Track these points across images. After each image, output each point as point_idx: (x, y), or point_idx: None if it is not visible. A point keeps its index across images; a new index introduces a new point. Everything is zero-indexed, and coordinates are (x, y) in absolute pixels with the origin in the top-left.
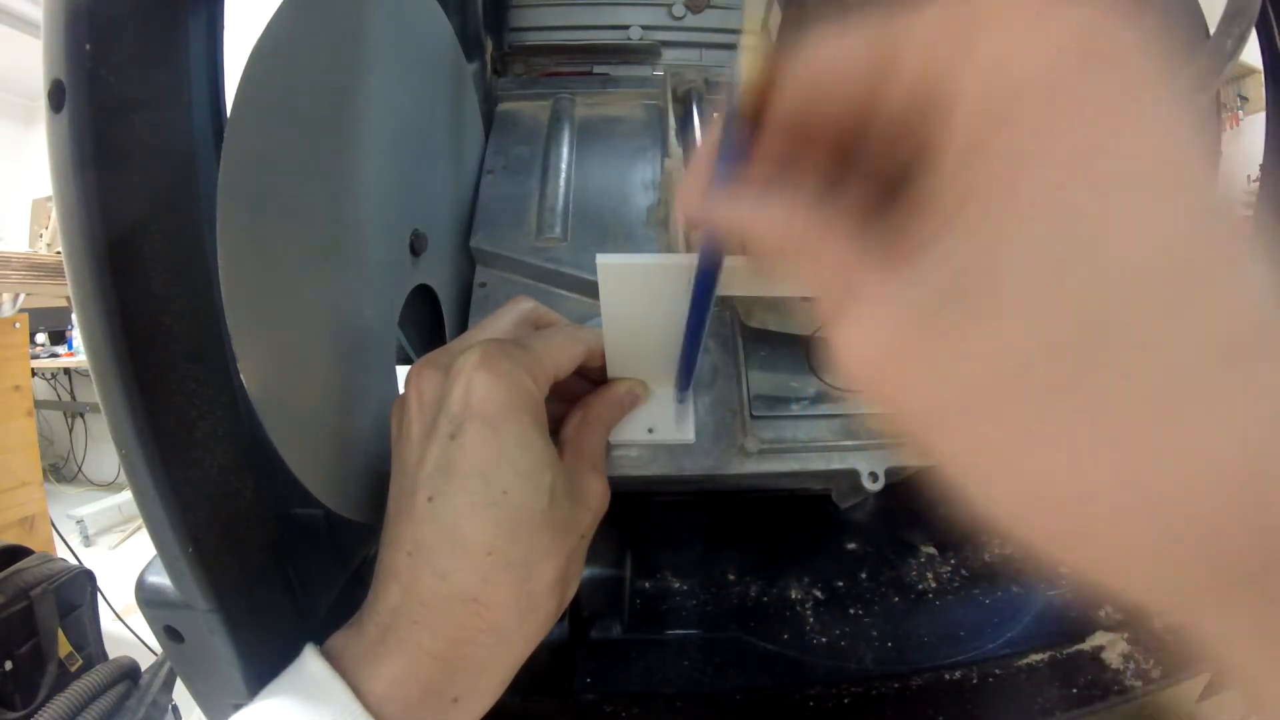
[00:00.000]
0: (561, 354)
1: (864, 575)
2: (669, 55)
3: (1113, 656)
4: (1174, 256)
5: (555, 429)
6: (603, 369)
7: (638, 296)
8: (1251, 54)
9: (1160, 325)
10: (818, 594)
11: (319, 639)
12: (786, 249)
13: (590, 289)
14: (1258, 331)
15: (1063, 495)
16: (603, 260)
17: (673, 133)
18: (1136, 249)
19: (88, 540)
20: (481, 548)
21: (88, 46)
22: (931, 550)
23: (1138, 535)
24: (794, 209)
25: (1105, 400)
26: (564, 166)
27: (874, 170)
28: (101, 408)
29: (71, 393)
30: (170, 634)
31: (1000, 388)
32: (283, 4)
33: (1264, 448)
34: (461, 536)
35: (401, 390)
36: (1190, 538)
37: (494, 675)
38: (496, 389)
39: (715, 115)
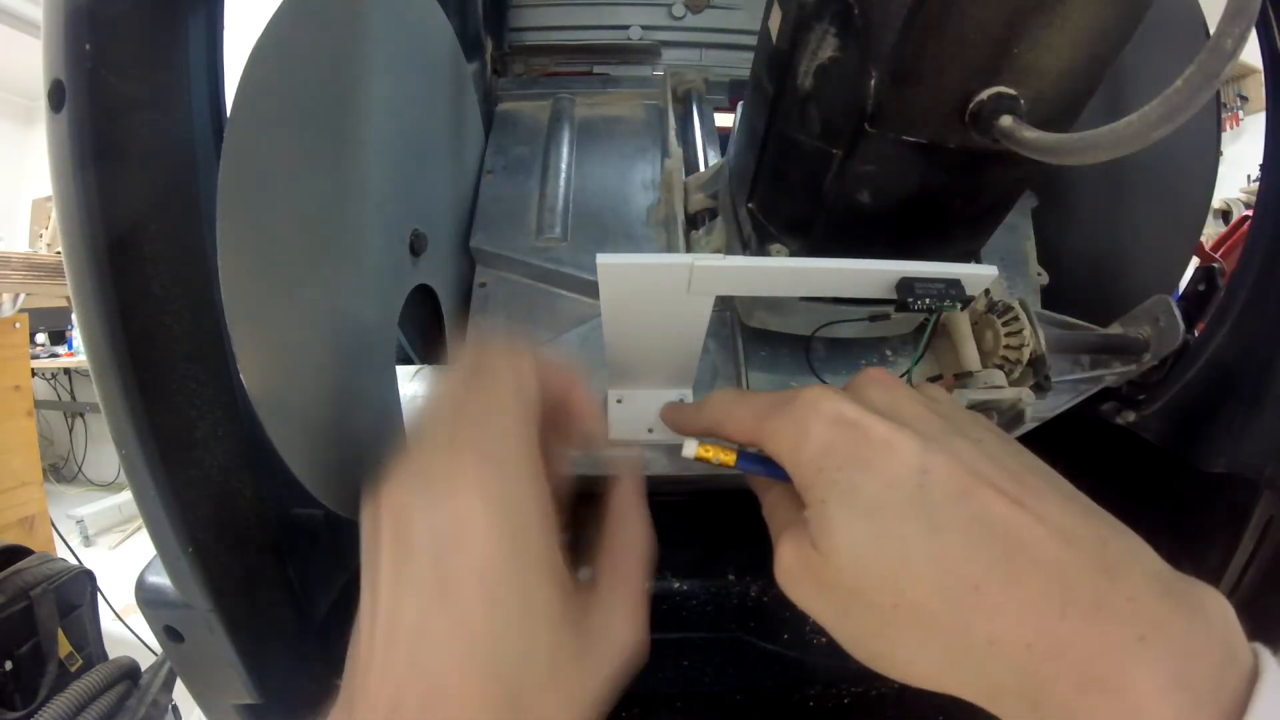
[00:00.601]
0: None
1: None
2: (669, 55)
3: None
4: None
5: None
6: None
7: (638, 296)
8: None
9: None
10: None
11: (319, 639)
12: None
13: (590, 289)
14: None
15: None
16: (603, 260)
17: (673, 133)
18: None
19: (88, 540)
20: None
21: (88, 46)
22: None
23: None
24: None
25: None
26: (564, 166)
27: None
28: (101, 408)
29: (71, 393)
30: (170, 634)
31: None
32: (283, 4)
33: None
34: (442, 699)
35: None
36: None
37: None
38: (481, 539)
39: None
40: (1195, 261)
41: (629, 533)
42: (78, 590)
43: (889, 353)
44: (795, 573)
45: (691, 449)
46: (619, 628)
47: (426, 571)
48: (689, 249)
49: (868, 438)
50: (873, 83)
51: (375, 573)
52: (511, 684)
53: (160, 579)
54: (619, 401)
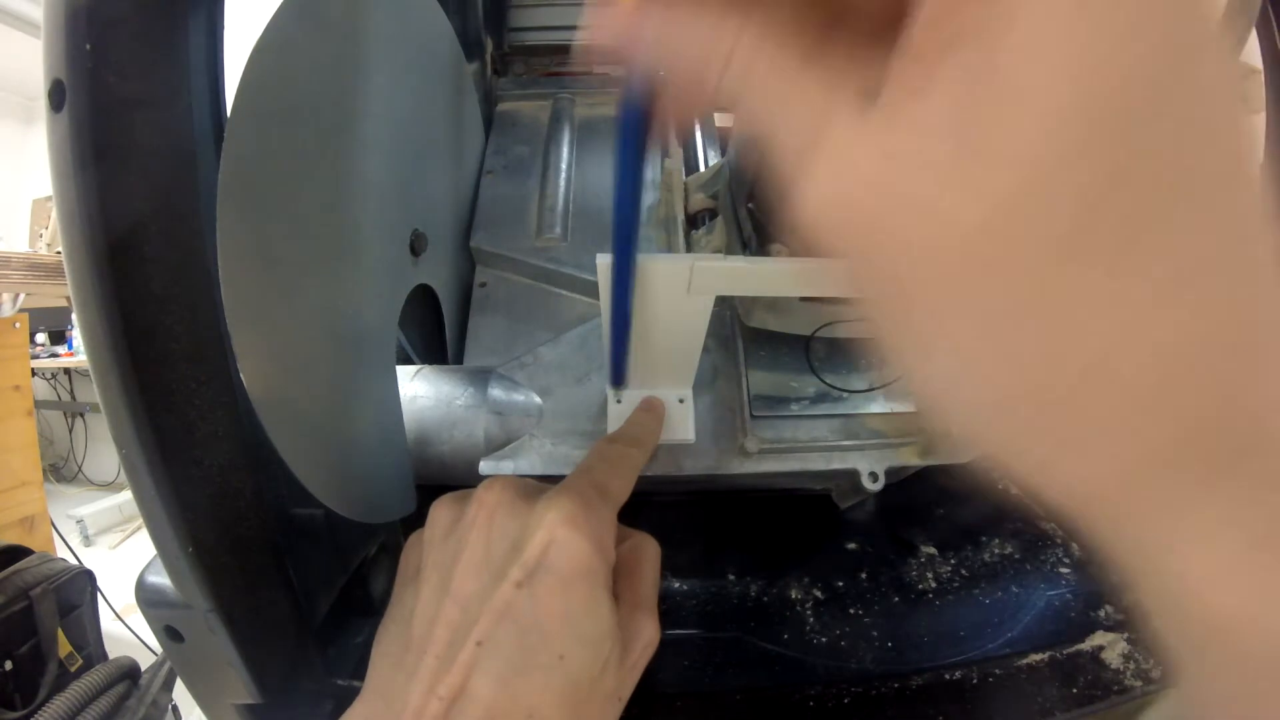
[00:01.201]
0: (630, 483)
1: (864, 575)
2: None
3: (1112, 656)
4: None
5: None
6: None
7: (637, 296)
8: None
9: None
10: (818, 594)
11: (319, 639)
12: (737, 72)
13: (590, 289)
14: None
15: (1057, 373)
16: (603, 260)
17: (673, 132)
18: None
19: (88, 540)
20: (524, 708)
21: (88, 46)
22: (931, 550)
23: (1141, 418)
24: (747, 20)
25: (1146, 250)
26: (564, 166)
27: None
28: (101, 408)
29: (71, 393)
30: (170, 634)
31: (1015, 218)
32: (283, 4)
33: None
34: (508, 691)
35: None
36: (1160, 415)
37: None
38: (580, 549)
39: None
40: None
41: (637, 536)
42: (78, 590)
43: None
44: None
45: None
46: (646, 628)
47: (512, 567)
48: (689, 249)
49: None
50: None
51: (433, 561)
52: (581, 697)
53: (160, 579)
54: (619, 401)
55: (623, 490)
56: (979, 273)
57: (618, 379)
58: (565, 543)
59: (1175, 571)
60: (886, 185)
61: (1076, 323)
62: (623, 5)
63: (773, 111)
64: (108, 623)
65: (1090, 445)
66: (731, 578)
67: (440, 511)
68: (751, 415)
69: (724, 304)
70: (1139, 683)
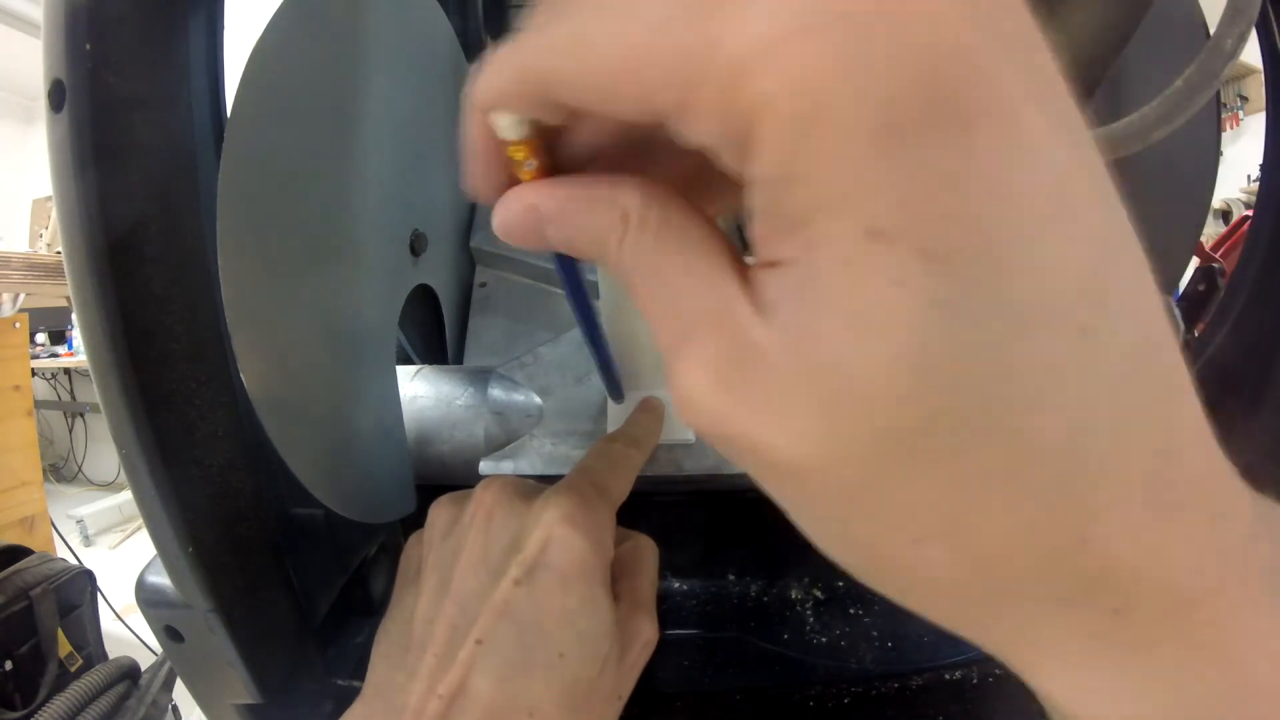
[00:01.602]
0: (629, 483)
1: None
2: None
3: None
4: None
5: None
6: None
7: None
8: (1251, 54)
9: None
10: (818, 594)
11: (319, 639)
12: (629, 248)
13: (591, 289)
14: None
15: (920, 544)
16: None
17: None
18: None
19: (88, 540)
20: (524, 706)
21: (88, 46)
22: None
23: (967, 577)
24: (635, 196)
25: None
26: None
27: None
28: (101, 408)
29: (71, 393)
30: (170, 634)
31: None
32: (283, 4)
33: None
34: (508, 689)
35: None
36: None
37: None
38: (579, 547)
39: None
40: (1195, 261)
41: (635, 537)
42: (78, 590)
43: None
44: (729, 383)
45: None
46: (645, 628)
47: (511, 564)
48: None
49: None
50: None
51: (433, 561)
52: (581, 696)
53: (160, 579)
54: (619, 402)
55: (621, 490)
56: (814, 487)
57: (615, 394)
58: (563, 540)
59: (1043, 691)
60: (732, 404)
61: (901, 517)
62: (518, 192)
63: (654, 295)
64: (108, 623)
65: (930, 593)
66: (731, 578)
67: (439, 512)
68: None
69: None
70: None
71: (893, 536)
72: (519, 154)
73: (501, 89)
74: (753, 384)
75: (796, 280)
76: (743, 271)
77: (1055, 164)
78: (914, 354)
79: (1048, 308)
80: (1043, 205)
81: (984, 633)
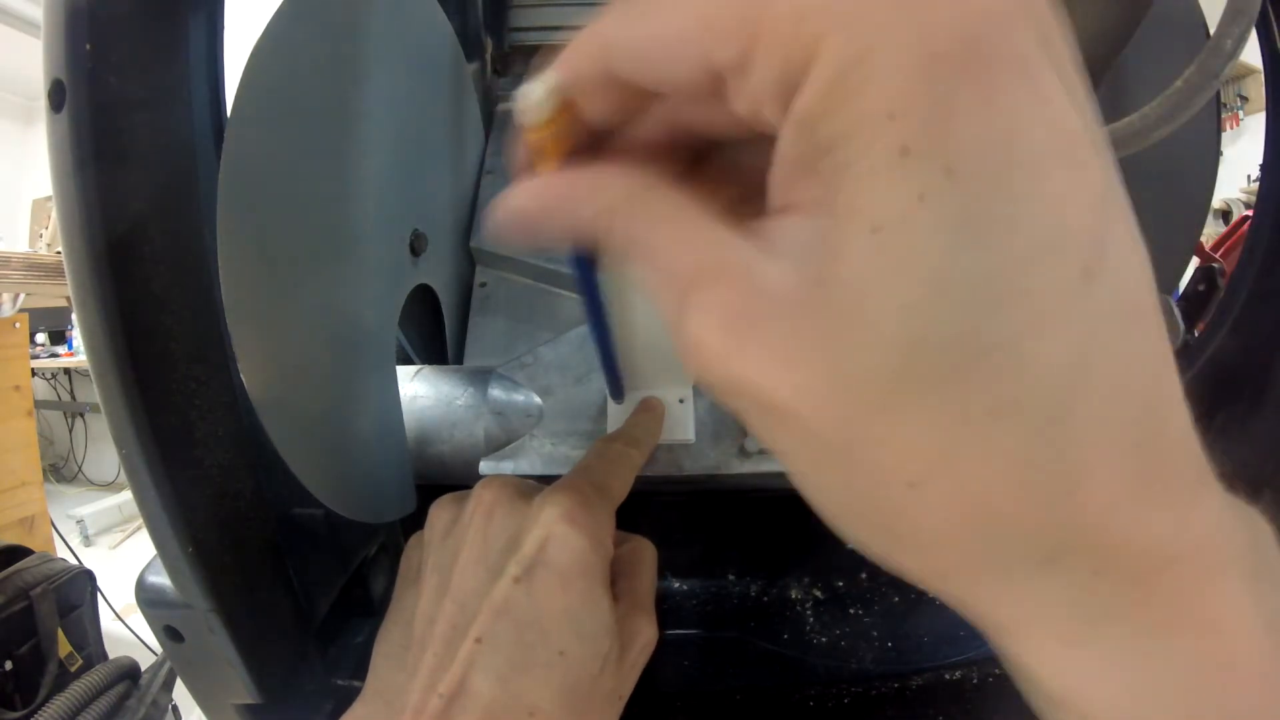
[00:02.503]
0: (628, 483)
1: (864, 575)
2: None
3: None
4: (1079, 234)
5: None
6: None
7: (637, 294)
8: (1251, 54)
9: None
10: (818, 594)
11: (319, 639)
12: (621, 227)
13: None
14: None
15: (904, 486)
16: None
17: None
18: (1041, 223)
19: (88, 540)
20: (525, 705)
21: (88, 46)
22: None
23: (958, 523)
24: (621, 176)
25: (981, 398)
26: None
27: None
28: (101, 408)
29: (71, 393)
30: (170, 634)
31: (879, 375)
32: (283, 4)
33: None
34: (508, 687)
35: (405, 410)
36: (999, 525)
37: None
38: (578, 544)
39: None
40: (1195, 261)
41: (634, 539)
42: (78, 590)
43: None
44: (742, 330)
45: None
46: (645, 629)
47: (510, 562)
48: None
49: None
50: None
51: (434, 560)
52: (582, 695)
53: (160, 579)
54: (619, 402)
55: (621, 489)
56: (819, 429)
57: (615, 393)
58: (563, 539)
59: (1024, 665)
60: (741, 348)
61: (901, 457)
62: (512, 193)
63: (655, 260)
64: (108, 623)
65: (921, 544)
66: (731, 578)
67: (439, 512)
68: None
69: None
70: None
71: (891, 480)
72: (542, 139)
73: (567, 62)
74: (763, 327)
75: (814, 216)
76: (743, 229)
77: (1065, 116)
78: (934, 270)
79: (1056, 240)
80: (1054, 147)
81: (970, 593)
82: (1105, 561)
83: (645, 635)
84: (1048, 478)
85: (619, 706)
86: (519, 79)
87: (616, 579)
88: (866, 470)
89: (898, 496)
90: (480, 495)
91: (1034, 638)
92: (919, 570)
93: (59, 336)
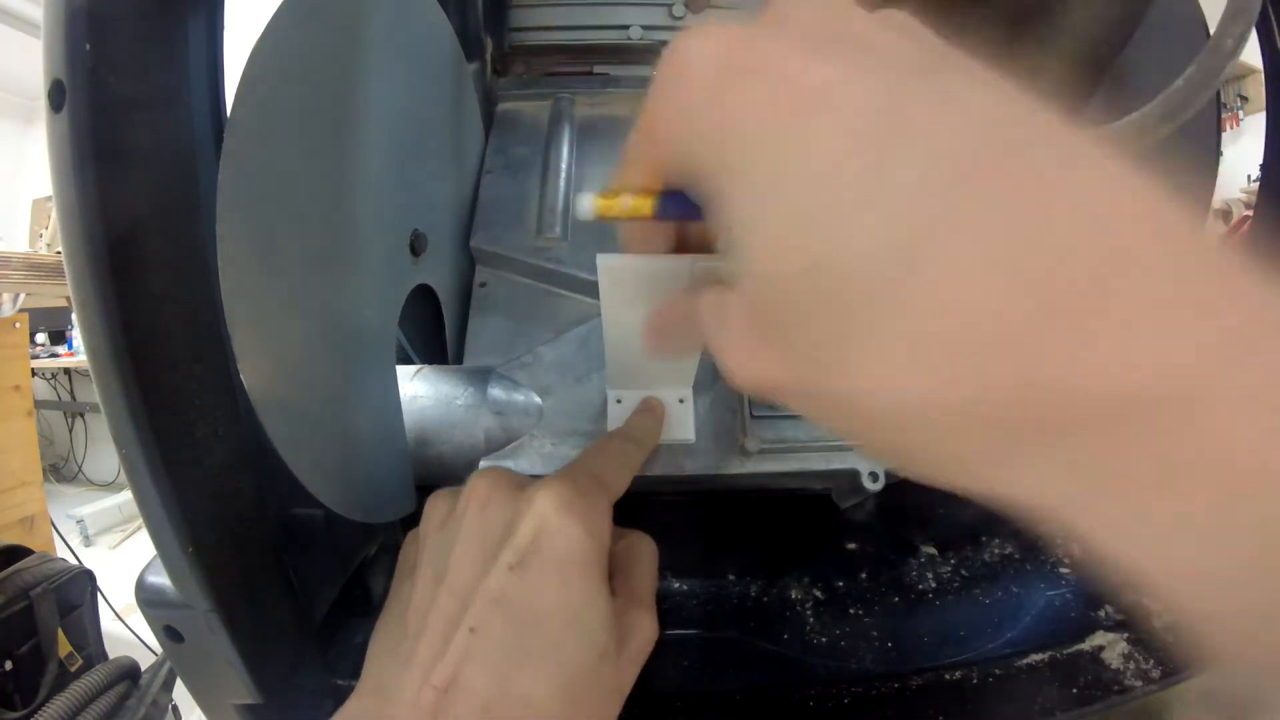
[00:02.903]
0: (627, 478)
1: (864, 575)
2: None
3: (1113, 656)
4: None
5: None
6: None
7: (638, 296)
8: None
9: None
10: (818, 594)
11: (319, 639)
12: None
13: (590, 289)
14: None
15: (888, 404)
16: (603, 260)
17: None
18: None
19: (88, 540)
20: (519, 696)
21: (88, 46)
22: (931, 550)
23: (956, 414)
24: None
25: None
26: (564, 166)
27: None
28: (101, 408)
29: (71, 393)
30: (170, 634)
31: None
32: (283, 4)
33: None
34: (502, 678)
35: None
36: (1002, 405)
37: None
38: (573, 533)
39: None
40: None
41: (633, 534)
42: (78, 590)
43: None
44: (730, 336)
45: (588, 205)
46: (645, 626)
47: (504, 551)
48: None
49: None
50: None
51: (428, 556)
52: (579, 688)
53: (160, 579)
54: (619, 401)
55: (619, 482)
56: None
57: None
58: (558, 528)
59: (1075, 538)
60: (754, 351)
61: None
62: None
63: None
64: (108, 623)
65: (934, 441)
66: (731, 578)
67: (434, 505)
68: (751, 415)
69: None
70: (1139, 683)
71: (894, 396)
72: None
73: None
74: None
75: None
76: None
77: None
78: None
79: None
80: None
81: (1002, 481)
82: (1081, 416)
83: (645, 630)
84: (991, 343)
85: (619, 702)
86: (519, 79)
87: (615, 573)
88: (882, 397)
89: (904, 408)
90: (475, 485)
91: (1076, 515)
92: (946, 465)
93: (59, 336)
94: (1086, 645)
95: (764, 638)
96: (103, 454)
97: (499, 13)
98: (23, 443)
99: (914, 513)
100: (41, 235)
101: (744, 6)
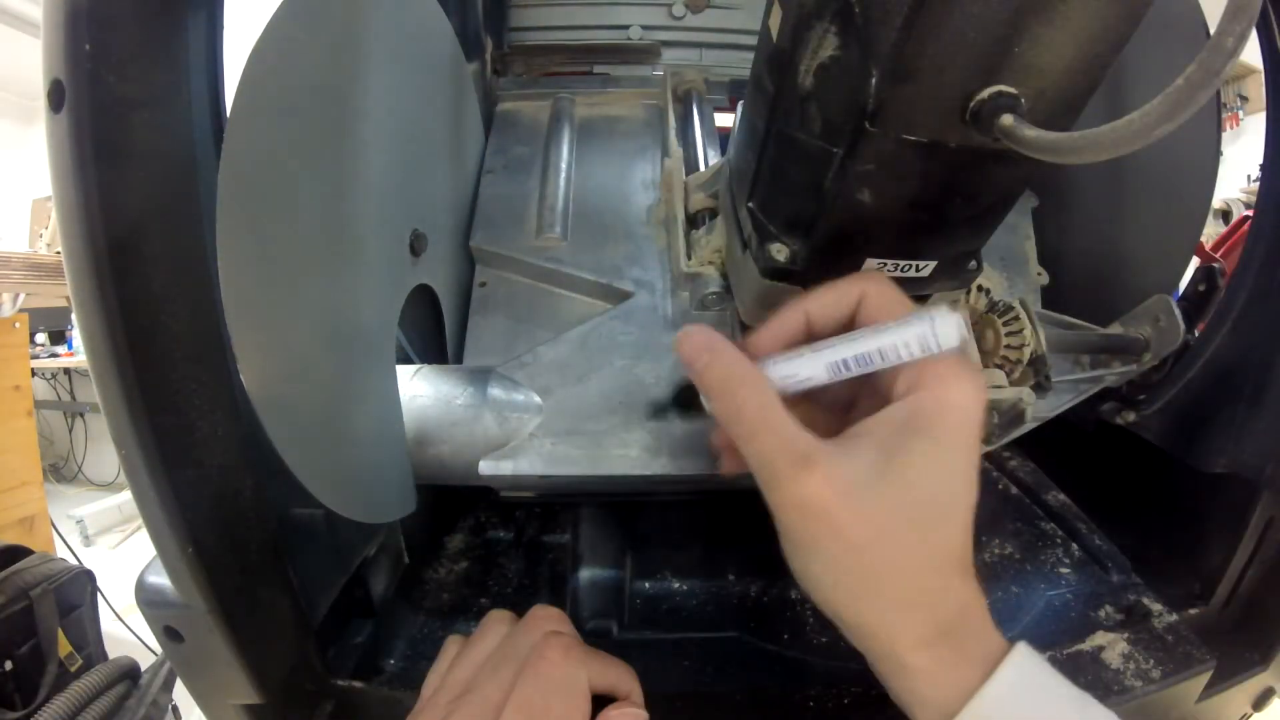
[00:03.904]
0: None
1: None
2: (669, 55)
3: (1113, 656)
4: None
5: None
6: None
7: None
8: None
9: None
10: None
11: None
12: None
13: (590, 289)
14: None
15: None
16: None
17: (673, 132)
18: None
19: (88, 540)
20: None
21: (88, 46)
22: None
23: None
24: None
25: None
26: (564, 166)
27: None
28: (101, 408)
29: (71, 393)
30: (170, 634)
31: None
32: (283, 4)
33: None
34: None
35: (405, 392)
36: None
37: None
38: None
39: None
40: (1195, 261)
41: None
42: (78, 590)
43: None
44: (830, 499)
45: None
46: None
47: None
48: (689, 249)
49: None
50: (873, 81)
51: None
52: None
53: (160, 579)
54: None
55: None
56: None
57: None
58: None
59: (905, 679)
60: (849, 496)
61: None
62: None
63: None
64: (108, 623)
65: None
66: (731, 578)
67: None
68: None
69: (724, 303)
70: (1139, 683)
71: (873, 575)
72: None
73: None
74: (846, 491)
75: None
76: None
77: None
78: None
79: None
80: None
81: (887, 636)
82: (942, 635)
83: None
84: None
85: None
86: (519, 79)
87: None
88: (872, 564)
89: (872, 584)
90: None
91: (918, 673)
92: (860, 618)
93: (59, 336)
94: (1086, 645)
95: (764, 638)
96: (103, 454)
97: (499, 13)
98: (23, 443)
99: None
100: (41, 235)
101: (743, 7)
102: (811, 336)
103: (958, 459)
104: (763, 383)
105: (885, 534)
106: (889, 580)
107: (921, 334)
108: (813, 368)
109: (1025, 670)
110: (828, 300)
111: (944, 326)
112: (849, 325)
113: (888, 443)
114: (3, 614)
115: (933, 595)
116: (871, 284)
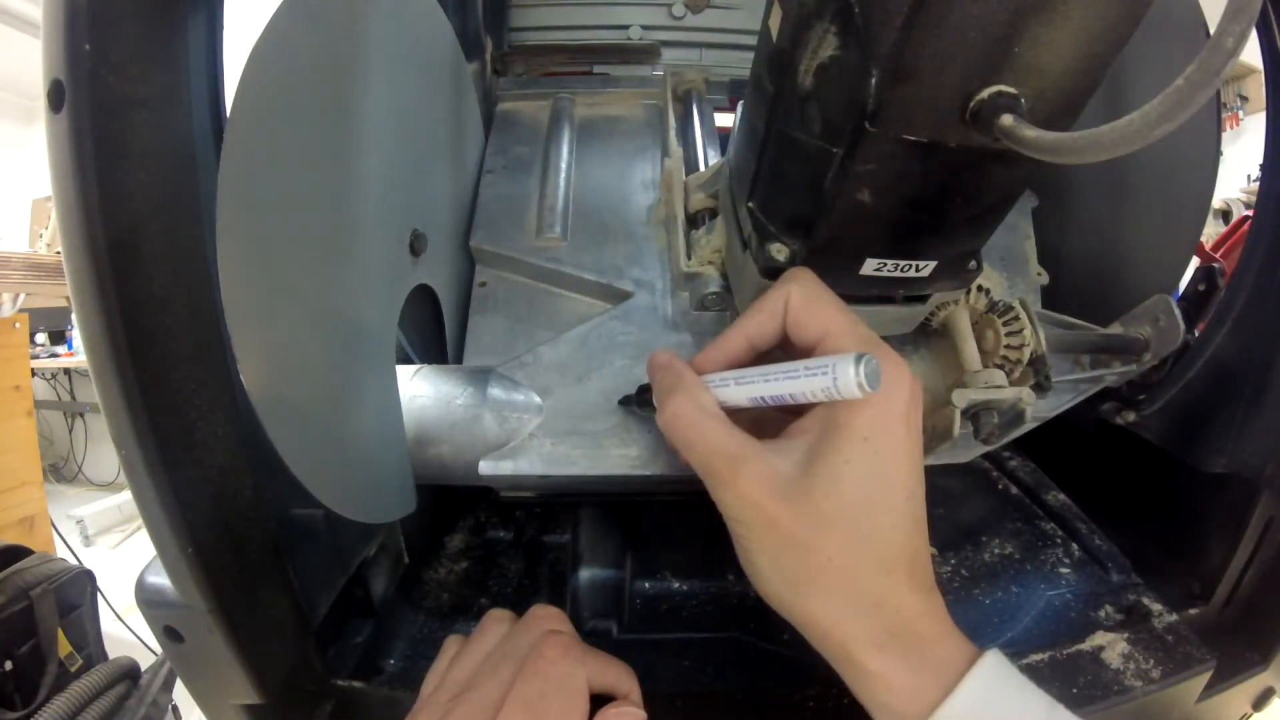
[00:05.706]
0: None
1: None
2: (669, 55)
3: (1113, 656)
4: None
5: None
6: None
7: None
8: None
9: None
10: None
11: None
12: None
13: (590, 289)
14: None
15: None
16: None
17: (672, 132)
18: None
19: (88, 540)
20: None
21: (88, 46)
22: (932, 550)
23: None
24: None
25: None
26: (564, 166)
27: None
28: (101, 408)
29: (71, 393)
30: (170, 634)
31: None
32: (283, 4)
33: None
34: None
35: (406, 397)
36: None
37: None
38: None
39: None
40: (1195, 261)
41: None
42: (78, 590)
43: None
44: (762, 495)
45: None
46: None
47: None
48: (689, 249)
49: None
50: (873, 81)
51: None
52: None
53: (160, 579)
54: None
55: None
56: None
57: None
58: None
59: (865, 685)
60: (783, 493)
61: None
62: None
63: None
64: (108, 623)
65: (828, 616)
66: (731, 578)
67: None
68: None
69: (725, 305)
70: (1139, 683)
71: (818, 564)
72: None
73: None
74: (779, 488)
75: (813, 440)
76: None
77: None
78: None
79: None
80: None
81: (838, 630)
82: (893, 636)
83: None
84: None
85: None
86: (519, 79)
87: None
88: (810, 560)
89: (818, 580)
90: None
91: (876, 672)
92: (808, 616)
93: (59, 336)
94: (1086, 645)
95: (764, 638)
96: (103, 454)
97: (499, 13)
98: (23, 443)
99: None
100: (41, 235)
101: (743, 7)
102: (754, 352)
103: (882, 457)
104: (698, 392)
105: (823, 530)
106: (833, 578)
107: (826, 386)
108: (738, 397)
109: (993, 681)
110: (762, 319)
111: (844, 380)
112: (784, 336)
113: (816, 440)
114: (3, 614)
115: (878, 595)
116: (795, 292)
